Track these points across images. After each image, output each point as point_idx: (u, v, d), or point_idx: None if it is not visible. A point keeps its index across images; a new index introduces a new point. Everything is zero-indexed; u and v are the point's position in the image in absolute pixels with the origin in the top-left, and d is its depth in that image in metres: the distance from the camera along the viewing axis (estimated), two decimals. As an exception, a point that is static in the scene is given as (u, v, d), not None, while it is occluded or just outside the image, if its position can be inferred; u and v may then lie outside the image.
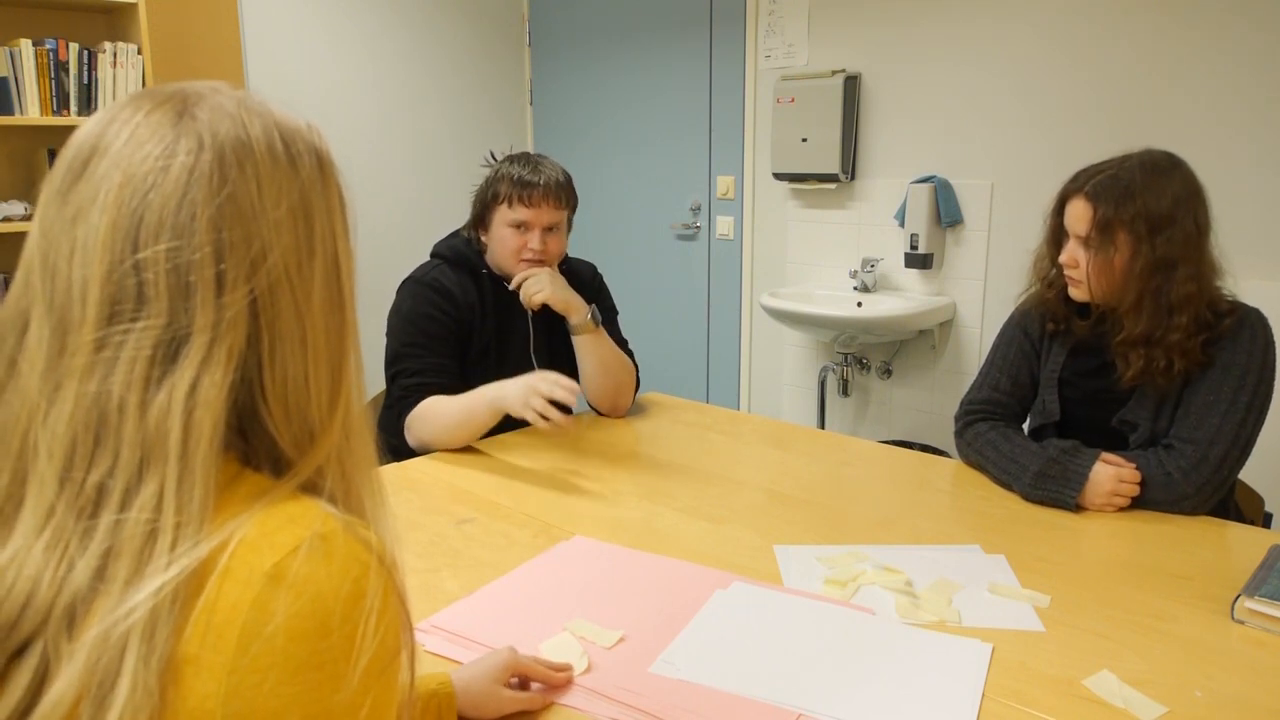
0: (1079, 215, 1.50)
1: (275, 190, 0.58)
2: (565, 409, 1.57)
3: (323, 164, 0.62)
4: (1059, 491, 1.45)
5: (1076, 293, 1.55)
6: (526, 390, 1.58)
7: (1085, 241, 1.49)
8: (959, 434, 1.69)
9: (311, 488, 0.60)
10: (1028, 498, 1.49)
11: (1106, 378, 1.57)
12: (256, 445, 0.59)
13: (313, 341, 0.59)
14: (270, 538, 0.54)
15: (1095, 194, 1.47)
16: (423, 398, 1.73)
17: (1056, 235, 1.58)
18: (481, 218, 1.88)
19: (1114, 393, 1.56)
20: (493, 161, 1.90)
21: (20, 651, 0.51)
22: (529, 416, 1.56)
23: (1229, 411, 1.43)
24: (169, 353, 0.54)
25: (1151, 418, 1.51)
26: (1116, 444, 1.54)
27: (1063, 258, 1.54)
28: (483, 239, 1.90)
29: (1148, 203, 1.44)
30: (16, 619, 0.51)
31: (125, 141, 0.56)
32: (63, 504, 0.53)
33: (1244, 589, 1.14)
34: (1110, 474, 1.44)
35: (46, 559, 0.52)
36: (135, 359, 0.53)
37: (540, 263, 1.85)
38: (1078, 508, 1.45)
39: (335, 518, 0.56)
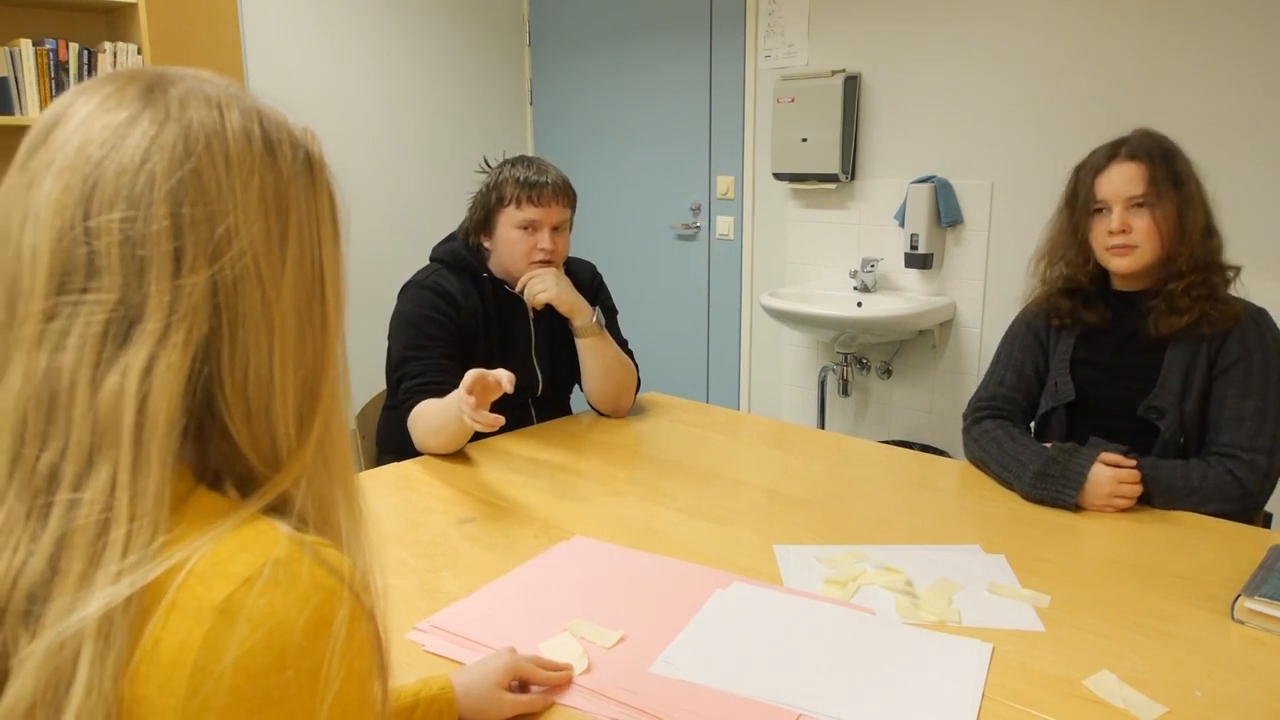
0: (1128, 177, 1.51)
1: (246, 173, 0.54)
2: (503, 403, 1.53)
3: (312, 166, 0.59)
4: (1059, 491, 1.45)
5: (1125, 263, 1.54)
6: (458, 400, 1.52)
7: (1141, 201, 1.50)
8: (966, 430, 1.69)
9: (280, 507, 0.56)
10: (1028, 497, 1.49)
11: (1129, 355, 1.57)
12: (216, 455, 0.55)
13: (280, 340, 0.55)
14: (222, 567, 0.50)
15: (1142, 153, 1.51)
16: (426, 398, 1.73)
17: (1082, 218, 1.57)
18: (485, 222, 1.87)
19: (1138, 370, 1.56)
20: (488, 167, 1.90)
21: None
22: (469, 425, 1.51)
23: (1278, 417, 1.47)
24: (121, 331, 0.51)
25: (1177, 402, 1.51)
26: (1145, 431, 1.53)
27: (1114, 226, 1.52)
28: (485, 244, 1.89)
29: (1187, 162, 1.52)
30: None
31: (89, 112, 0.53)
32: (14, 489, 0.50)
33: (1244, 589, 1.14)
34: (1108, 475, 1.44)
35: (1, 544, 0.49)
36: (86, 334, 0.50)
37: (548, 263, 1.85)
38: (1078, 507, 1.45)
39: (296, 541, 0.52)
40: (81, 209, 0.51)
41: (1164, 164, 1.50)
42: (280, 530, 0.53)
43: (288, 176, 0.56)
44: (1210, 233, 1.52)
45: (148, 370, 0.50)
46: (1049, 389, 1.66)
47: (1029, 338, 1.69)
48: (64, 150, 0.52)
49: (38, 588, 0.48)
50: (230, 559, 0.50)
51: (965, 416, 1.71)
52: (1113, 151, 1.54)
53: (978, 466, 1.64)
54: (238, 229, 0.53)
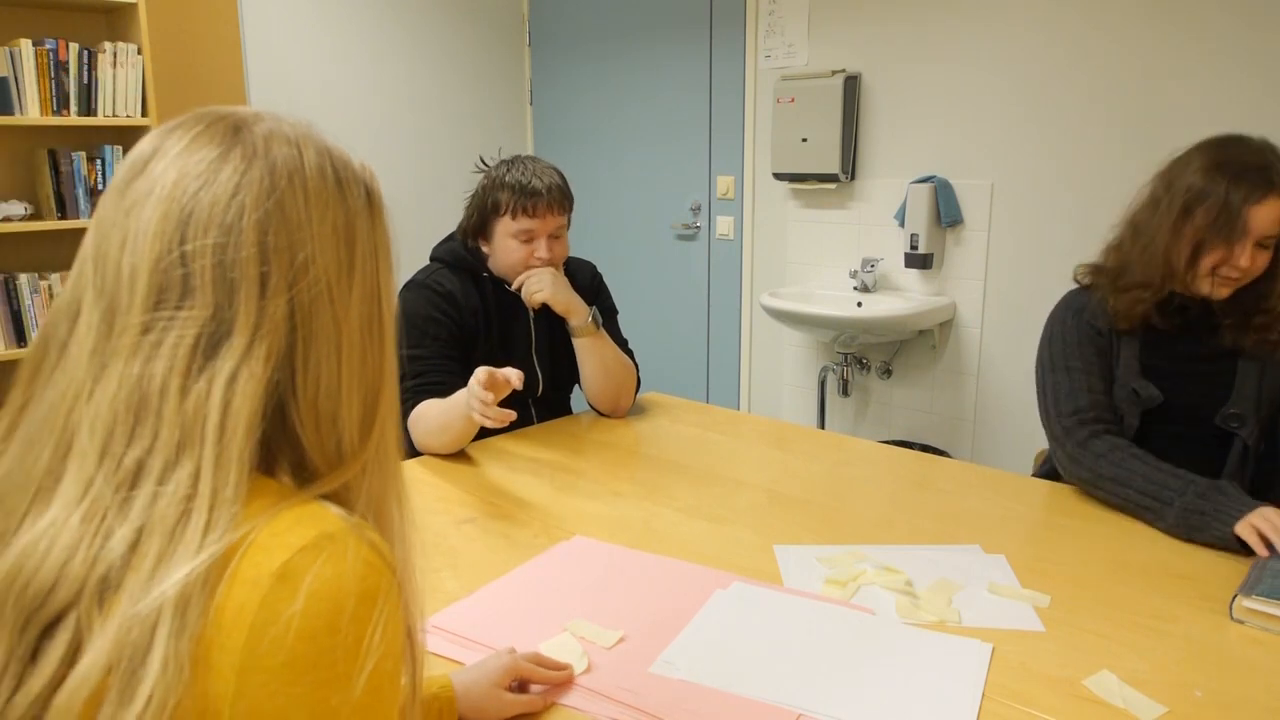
0: (1275, 217, 1.40)
1: (321, 207, 0.60)
2: (509, 401, 1.54)
3: (372, 200, 0.65)
4: (1218, 508, 1.32)
5: (1225, 293, 1.47)
6: (468, 396, 1.53)
7: (1270, 242, 1.43)
8: (1082, 445, 1.50)
9: (339, 500, 0.61)
10: (1175, 525, 1.36)
11: (1198, 362, 1.53)
12: (279, 455, 0.60)
13: (347, 357, 0.61)
14: (280, 538, 0.54)
15: None
16: (427, 398, 1.73)
17: (1216, 240, 1.43)
18: (482, 227, 1.87)
19: (1209, 376, 1.52)
20: (484, 167, 1.89)
21: (55, 624, 0.52)
22: (479, 421, 1.52)
23: None
24: (211, 344, 0.56)
25: (1255, 410, 1.50)
26: (1219, 439, 1.51)
27: (1243, 262, 1.41)
28: (483, 248, 1.89)
29: None
30: (50, 589, 0.52)
31: (184, 147, 0.60)
32: (101, 478, 0.54)
33: (1240, 588, 1.14)
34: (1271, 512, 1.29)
35: (82, 531, 0.53)
36: (178, 345, 0.56)
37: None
38: (1236, 540, 1.30)
39: (344, 520, 0.57)
40: (179, 234, 0.57)
41: None
42: (332, 510, 0.58)
43: (355, 210, 0.63)
44: None
45: (232, 380, 0.56)
46: (1124, 395, 1.55)
47: (1100, 341, 1.57)
48: (161, 181, 0.58)
49: (114, 570, 0.52)
50: (287, 530, 0.55)
51: (1065, 430, 1.53)
52: (1268, 179, 1.40)
53: (1098, 486, 1.47)
54: (314, 257, 0.59)
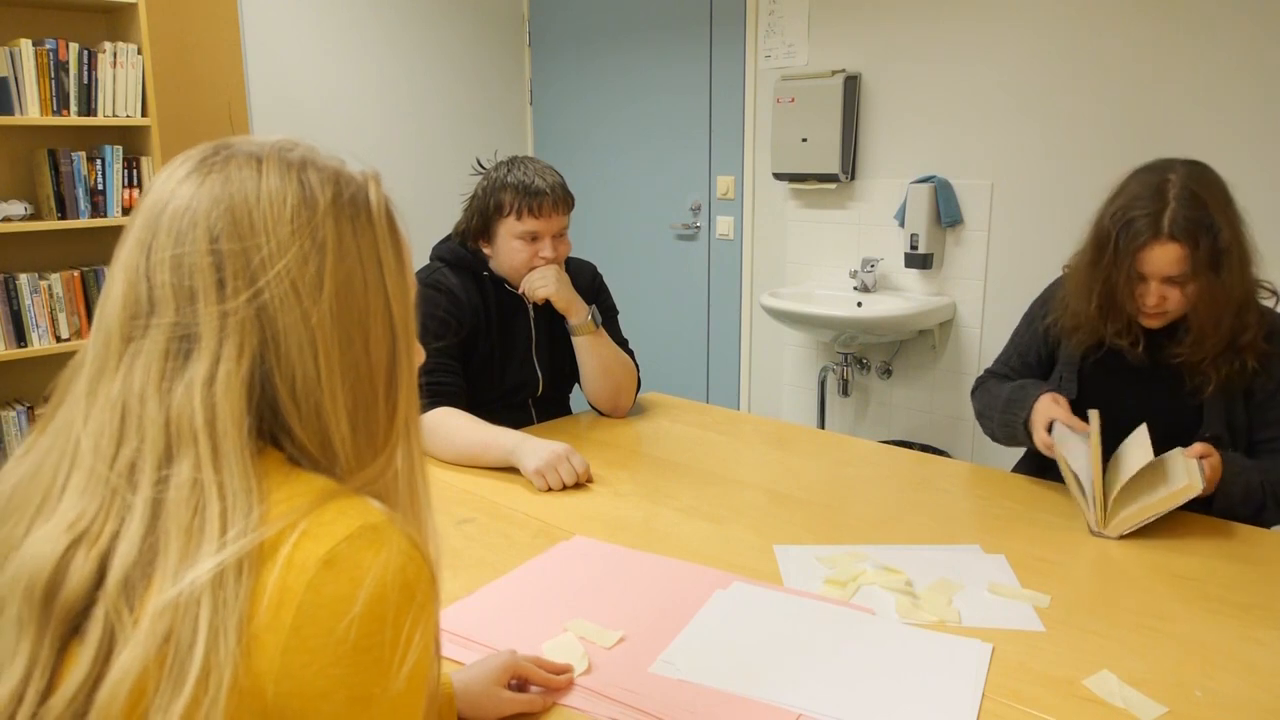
0: (1171, 260, 1.41)
1: (277, 212, 0.62)
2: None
3: (368, 202, 0.67)
4: (1014, 416, 1.58)
5: (1157, 323, 1.50)
6: (546, 465, 1.55)
7: (1180, 280, 1.43)
8: (973, 391, 1.80)
9: (376, 496, 0.64)
10: (999, 434, 1.64)
11: (1158, 387, 1.54)
12: (282, 445, 0.62)
13: (325, 351, 0.62)
14: (327, 527, 0.57)
15: (1184, 235, 1.40)
16: (432, 398, 1.72)
17: (1122, 283, 1.47)
18: (484, 229, 1.86)
19: (1168, 398, 1.53)
20: (481, 169, 1.89)
21: (81, 624, 0.54)
22: (536, 484, 1.55)
23: None
24: (182, 349, 0.59)
25: (1226, 430, 1.50)
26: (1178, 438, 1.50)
27: (1151, 301, 1.45)
28: (484, 249, 1.88)
29: (1225, 220, 1.42)
30: (59, 587, 0.54)
31: (165, 177, 0.65)
32: (98, 479, 0.57)
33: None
34: (1048, 401, 1.52)
35: (85, 529, 0.56)
36: (151, 354, 0.59)
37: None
38: (1026, 430, 1.55)
39: (385, 513, 0.60)
40: (144, 253, 0.61)
41: (1206, 242, 1.40)
42: (374, 504, 0.61)
43: (323, 215, 0.64)
44: (1244, 294, 1.44)
45: (209, 381, 0.59)
46: (1054, 378, 1.66)
47: (1041, 326, 1.68)
48: (141, 212, 0.64)
49: (135, 565, 0.55)
50: (332, 521, 0.58)
51: (978, 377, 1.83)
52: (1156, 224, 1.41)
53: (979, 421, 1.76)
54: (273, 259, 0.61)
